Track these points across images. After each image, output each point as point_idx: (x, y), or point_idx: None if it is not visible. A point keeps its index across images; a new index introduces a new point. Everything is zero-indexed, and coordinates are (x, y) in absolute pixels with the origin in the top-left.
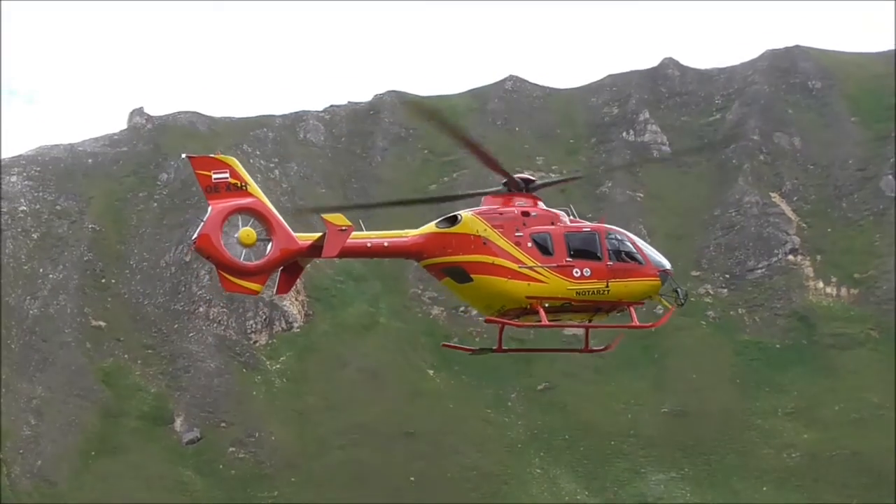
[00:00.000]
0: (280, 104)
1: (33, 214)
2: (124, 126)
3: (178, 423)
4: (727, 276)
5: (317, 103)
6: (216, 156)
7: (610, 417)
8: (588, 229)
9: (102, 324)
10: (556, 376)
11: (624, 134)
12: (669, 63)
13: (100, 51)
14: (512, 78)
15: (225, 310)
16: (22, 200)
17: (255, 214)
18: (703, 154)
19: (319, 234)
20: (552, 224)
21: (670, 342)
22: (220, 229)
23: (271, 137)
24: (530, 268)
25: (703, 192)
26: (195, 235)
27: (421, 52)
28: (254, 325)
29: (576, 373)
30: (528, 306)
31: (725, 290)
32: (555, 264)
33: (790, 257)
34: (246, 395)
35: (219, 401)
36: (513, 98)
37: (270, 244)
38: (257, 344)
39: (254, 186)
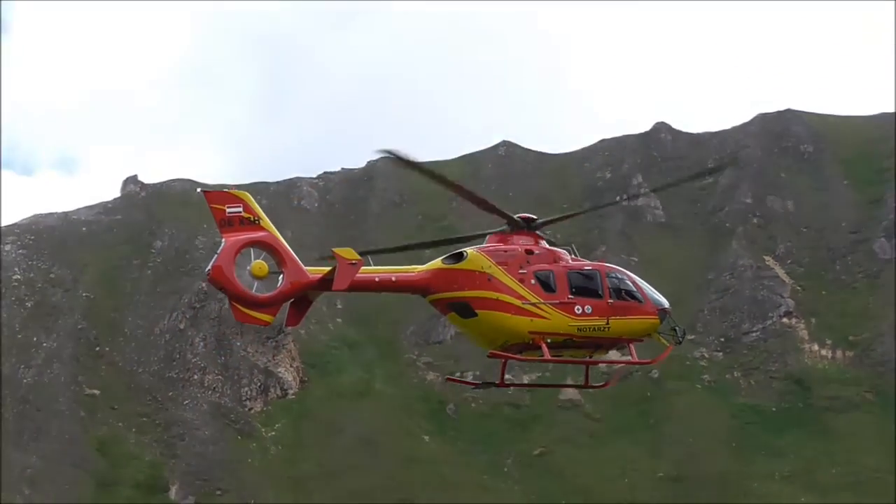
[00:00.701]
0: (274, 171)
1: (27, 283)
2: (118, 194)
3: (174, 492)
4: (722, 339)
5: (311, 170)
6: (230, 190)
7: (606, 483)
8: (589, 268)
9: (96, 392)
10: (552, 441)
11: (618, 198)
12: (662, 127)
13: (96, 118)
14: (505, 143)
15: (220, 377)
16: (16, 269)
17: (267, 248)
18: (714, 175)
19: (329, 269)
20: (555, 262)
21: (666, 406)
22: (233, 261)
23: (265, 204)
24: (533, 304)
25: (697, 255)
26: (209, 267)
27: (414, 119)
28: (249, 392)
29: (572, 438)
30: (531, 341)
31: (721, 354)
32: (557, 301)
33: (785, 320)
34: (241, 463)
35: (214, 468)
36: (506, 163)
37: (281, 277)
38: (252, 411)
39: (266, 221)
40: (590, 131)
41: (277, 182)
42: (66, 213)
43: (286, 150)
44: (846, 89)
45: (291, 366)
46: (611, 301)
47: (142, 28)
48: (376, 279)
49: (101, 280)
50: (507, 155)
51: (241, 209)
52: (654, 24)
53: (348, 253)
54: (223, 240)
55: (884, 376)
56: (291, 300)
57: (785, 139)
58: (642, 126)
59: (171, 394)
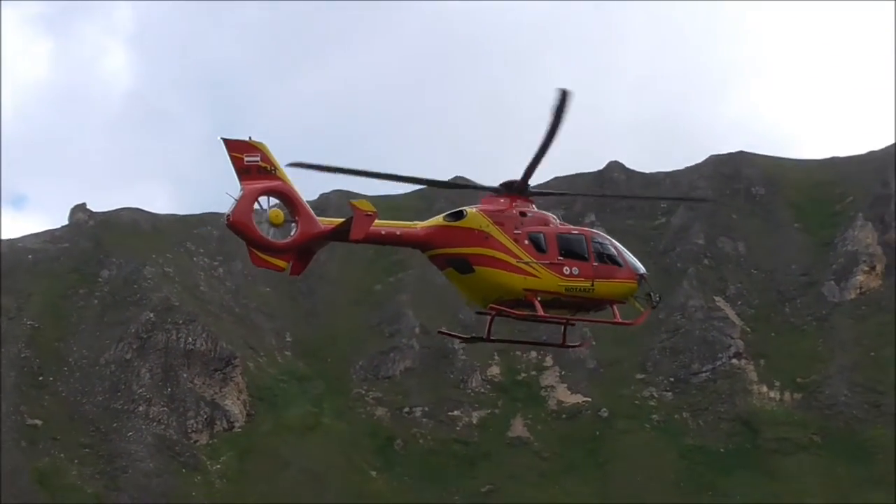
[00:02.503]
0: (225, 202)
1: None
2: (66, 222)
3: None
4: (672, 379)
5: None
6: (249, 140)
7: None
8: (576, 232)
9: (39, 422)
10: (501, 479)
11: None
12: (615, 167)
13: (43, 146)
14: (458, 179)
15: (165, 409)
16: None
17: (283, 197)
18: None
19: (342, 220)
20: (546, 225)
21: (615, 446)
22: (251, 208)
23: (216, 235)
24: (527, 263)
25: None
26: (228, 212)
27: (367, 153)
28: (194, 425)
29: (520, 475)
30: (524, 298)
31: (670, 394)
32: (548, 261)
33: (734, 361)
34: (185, 496)
35: (158, 502)
36: (459, 199)
37: (296, 225)
38: (198, 444)
39: (282, 171)
40: (543, 169)
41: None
42: (11, 241)
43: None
44: (798, 133)
45: (238, 398)
46: (595, 264)
47: (91, 58)
48: (383, 232)
49: (46, 309)
50: (462, 193)
51: (258, 158)
52: (606, 63)
53: (364, 205)
54: (242, 187)
55: (831, 419)
56: (301, 249)
57: (737, 181)
58: (595, 165)
59: (115, 425)
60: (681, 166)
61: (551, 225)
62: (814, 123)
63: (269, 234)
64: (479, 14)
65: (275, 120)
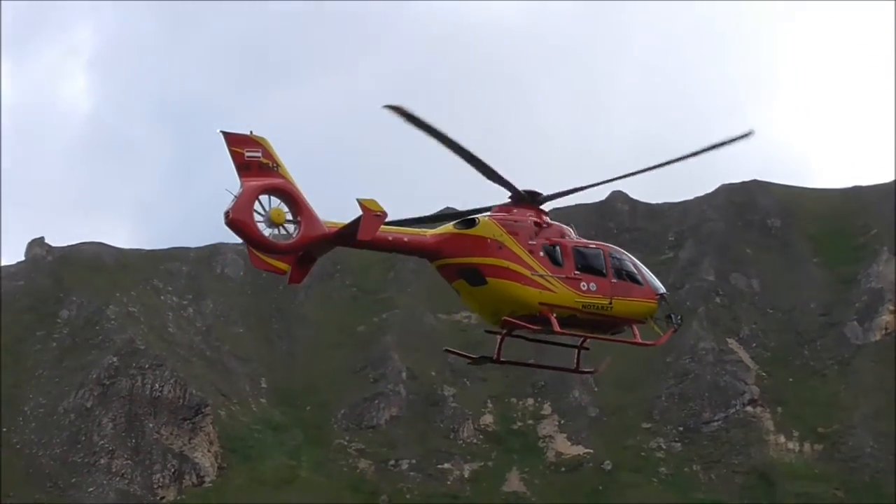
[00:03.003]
0: (194, 235)
1: None
2: (22, 258)
3: None
4: (680, 428)
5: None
6: (250, 134)
7: None
8: (594, 246)
9: None
10: None
11: None
12: (618, 196)
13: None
14: (447, 210)
15: (129, 461)
16: None
17: (286, 196)
18: None
19: (347, 223)
20: (562, 237)
21: (619, 501)
22: (252, 206)
23: (185, 272)
24: (542, 276)
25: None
26: (228, 209)
27: (347, 183)
28: (161, 479)
29: None
30: (538, 313)
31: (679, 445)
32: (564, 275)
33: (748, 409)
34: None
35: None
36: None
37: (298, 227)
38: (164, 500)
39: (284, 169)
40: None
41: (198, 248)
42: None
43: (209, 212)
44: (817, 160)
45: (209, 450)
46: (613, 281)
47: (49, 81)
48: (390, 238)
49: (0, 352)
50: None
51: (260, 154)
52: (603, 84)
53: (373, 204)
54: (242, 183)
55: (855, 472)
56: (301, 253)
57: (750, 212)
58: (597, 195)
59: (74, 480)
60: (689, 196)
61: (567, 238)
62: (834, 149)
63: (270, 235)
64: (465, 34)
65: None
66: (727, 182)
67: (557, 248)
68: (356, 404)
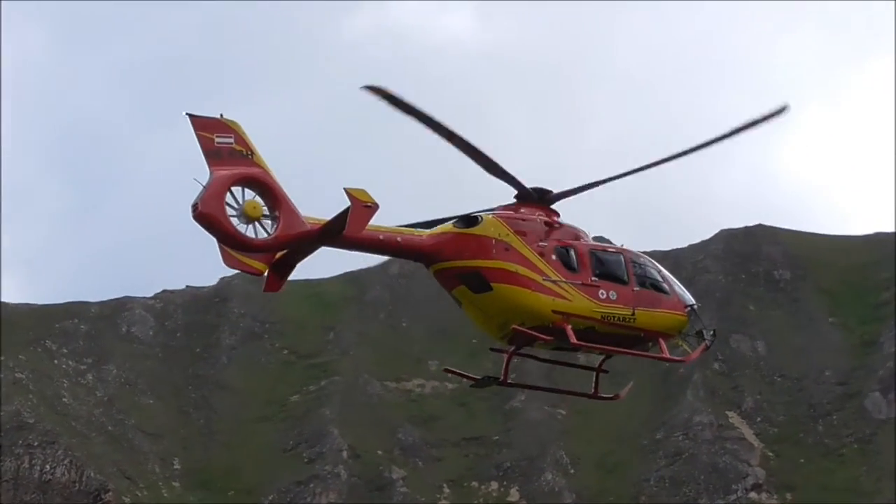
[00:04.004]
0: (96, 289)
1: None
2: None
3: None
4: None
5: (145, 288)
6: (220, 117)
7: None
8: (613, 250)
9: None
10: None
11: None
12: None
13: None
14: (398, 260)
15: None
16: None
17: (261, 187)
18: None
19: (331, 219)
20: (576, 239)
21: None
22: (224, 198)
23: (84, 331)
24: (554, 282)
25: (642, 409)
26: (196, 201)
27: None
28: None
29: None
30: (552, 324)
31: None
32: (579, 282)
33: (753, 495)
34: None
35: None
36: (400, 284)
37: (276, 222)
38: None
39: (259, 157)
40: None
41: (101, 302)
42: None
43: (112, 261)
44: (833, 201)
45: None
46: (636, 289)
47: None
48: (381, 237)
49: None
50: (401, 274)
51: (231, 140)
52: (588, 117)
53: (362, 194)
54: (211, 173)
55: None
56: (281, 252)
57: (755, 262)
58: None
59: None
60: (683, 244)
61: (582, 240)
62: (853, 189)
63: (245, 231)
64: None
65: (148, 181)
66: (727, 227)
67: (572, 251)
68: (288, 489)
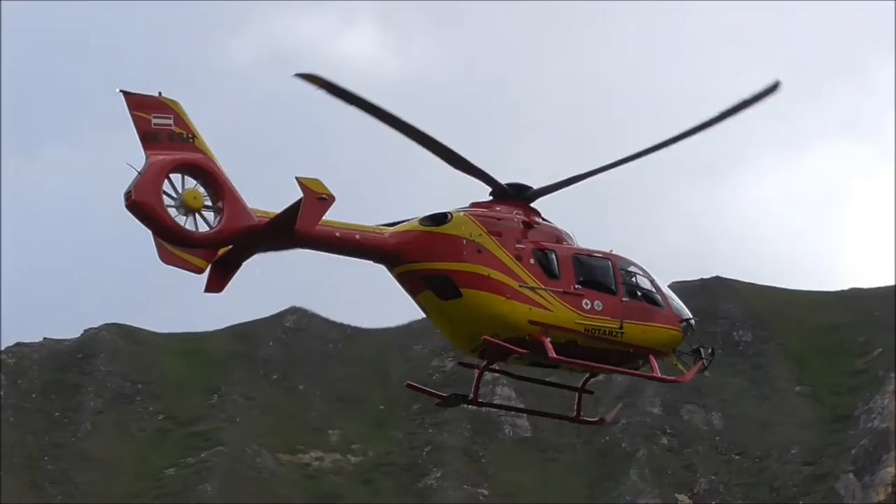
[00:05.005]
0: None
1: None
2: None
3: None
4: None
5: None
6: (159, 96)
7: None
8: (599, 255)
9: None
10: None
11: None
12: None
13: None
14: (296, 311)
15: None
16: None
17: (204, 174)
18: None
19: (281, 211)
20: (558, 242)
21: None
22: (160, 185)
23: None
24: (532, 289)
25: (577, 489)
26: (129, 189)
27: (153, 270)
28: None
29: None
30: (528, 336)
31: None
32: (561, 290)
33: None
34: None
35: None
36: (296, 340)
37: (220, 214)
38: None
39: (202, 141)
40: None
41: None
42: None
43: None
44: (801, 252)
45: None
46: (625, 299)
47: None
48: (337, 234)
49: None
50: (297, 328)
51: (171, 121)
52: (513, 163)
53: (317, 185)
54: (147, 157)
55: None
56: (226, 247)
57: (711, 321)
58: None
59: None
60: None
61: (565, 243)
62: (824, 239)
63: (185, 223)
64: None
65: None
66: (679, 279)
67: (553, 254)
68: None
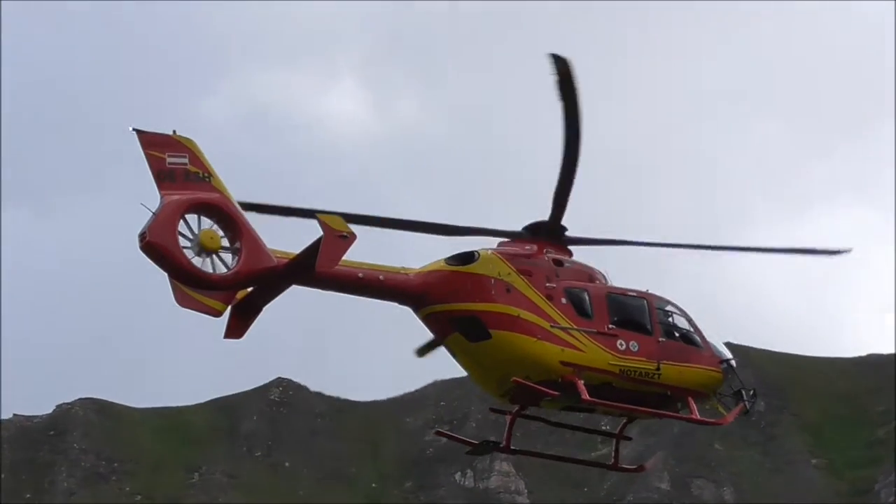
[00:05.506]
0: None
1: None
2: None
3: None
4: None
5: None
6: (173, 134)
7: None
8: (634, 294)
9: None
10: None
11: (458, 475)
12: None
13: None
14: (281, 382)
15: None
16: None
17: (220, 215)
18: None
19: (301, 251)
20: (591, 280)
21: None
22: (175, 226)
23: None
24: (564, 329)
25: None
26: (144, 230)
27: (133, 340)
28: None
29: None
30: (560, 378)
31: None
32: (594, 330)
33: None
34: None
35: None
36: (281, 414)
37: (237, 256)
38: None
39: (218, 180)
40: (414, 370)
41: None
42: None
43: None
44: (817, 317)
45: None
46: (662, 340)
47: None
48: (360, 275)
49: None
50: (283, 400)
51: (186, 160)
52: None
53: (337, 222)
54: (162, 197)
55: None
56: (245, 290)
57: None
58: None
59: None
60: None
61: (598, 283)
62: (839, 303)
63: (201, 265)
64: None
65: None
66: None
67: (585, 294)
68: None
